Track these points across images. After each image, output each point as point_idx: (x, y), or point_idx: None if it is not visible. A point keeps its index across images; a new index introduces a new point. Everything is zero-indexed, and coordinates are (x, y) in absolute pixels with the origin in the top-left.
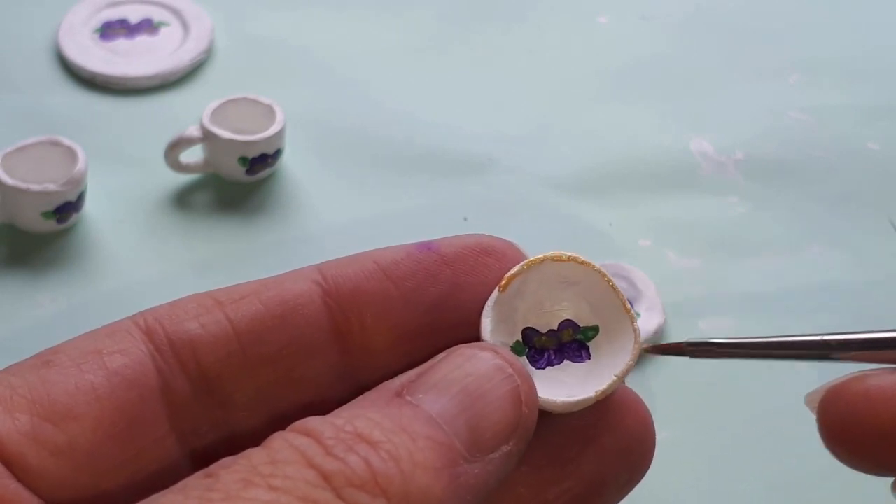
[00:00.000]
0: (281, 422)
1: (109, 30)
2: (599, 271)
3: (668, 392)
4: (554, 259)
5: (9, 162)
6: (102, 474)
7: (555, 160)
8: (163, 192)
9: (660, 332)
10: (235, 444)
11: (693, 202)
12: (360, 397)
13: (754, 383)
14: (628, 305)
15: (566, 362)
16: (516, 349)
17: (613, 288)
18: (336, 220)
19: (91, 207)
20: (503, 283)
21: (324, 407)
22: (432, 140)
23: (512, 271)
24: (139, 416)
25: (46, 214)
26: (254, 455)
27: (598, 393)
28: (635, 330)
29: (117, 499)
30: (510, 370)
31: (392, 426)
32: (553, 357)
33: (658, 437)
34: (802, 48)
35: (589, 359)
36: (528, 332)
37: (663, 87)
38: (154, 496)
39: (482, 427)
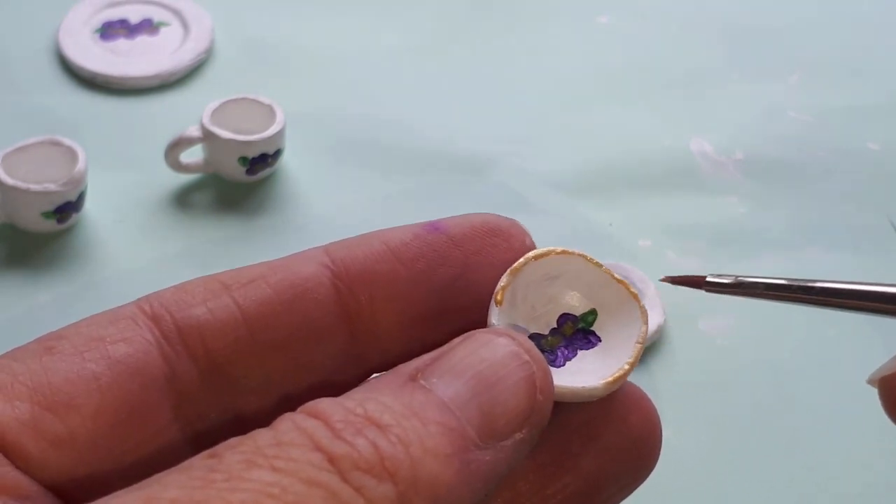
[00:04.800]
0: (290, 406)
1: (110, 30)
2: (581, 255)
3: (671, 391)
4: (536, 258)
5: (9, 162)
6: (104, 463)
7: (555, 160)
8: (163, 192)
9: (660, 331)
10: (243, 429)
11: (693, 202)
12: (375, 380)
13: (757, 383)
14: (618, 276)
15: (580, 352)
16: None
17: (598, 265)
18: (336, 220)
19: (91, 207)
20: (498, 296)
21: (333, 391)
22: (432, 140)
23: (501, 283)
24: (141, 405)
25: (46, 214)
26: (259, 436)
27: (629, 364)
28: (633, 294)
29: (120, 486)
30: (526, 357)
31: (403, 410)
32: (567, 352)
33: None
34: (802, 48)
35: (599, 341)
36: (534, 338)
37: (663, 87)
38: (157, 475)
39: (495, 413)
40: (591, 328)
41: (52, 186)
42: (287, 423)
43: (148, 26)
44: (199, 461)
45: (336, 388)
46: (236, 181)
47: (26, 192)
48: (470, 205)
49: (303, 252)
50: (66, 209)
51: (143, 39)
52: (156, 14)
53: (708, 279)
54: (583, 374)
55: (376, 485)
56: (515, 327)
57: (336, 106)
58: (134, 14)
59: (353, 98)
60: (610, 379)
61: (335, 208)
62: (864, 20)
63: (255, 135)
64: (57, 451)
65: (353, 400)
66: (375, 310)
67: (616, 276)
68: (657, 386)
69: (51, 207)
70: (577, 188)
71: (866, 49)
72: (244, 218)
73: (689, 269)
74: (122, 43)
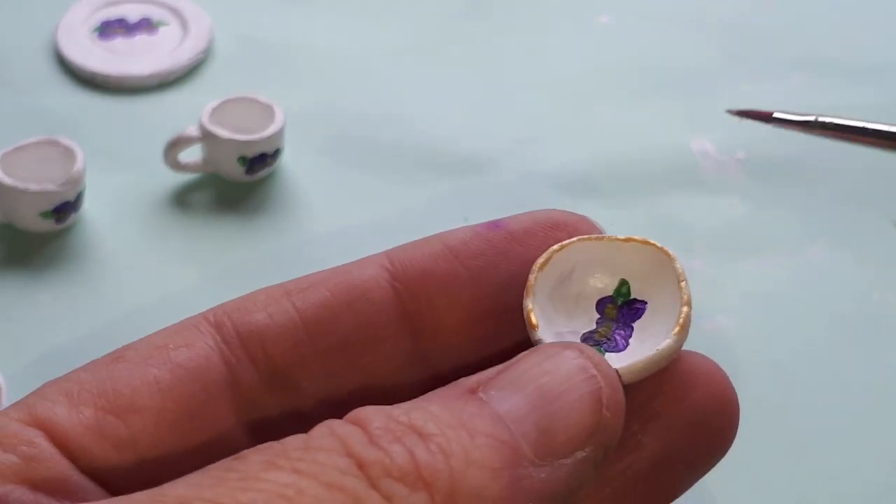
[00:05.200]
0: (352, 408)
1: (108, 29)
2: (579, 239)
3: None
4: (541, 267)
5: (7, 162)
6: (166, 464)
7: (555, 160)
8: (162, 191)
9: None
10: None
11: (694, 202)
12: (434, 391)
13: (758, 383)
14: (622, 236)
15: (635, 325)
16: None
17: (599, 238)
18: (336, 220)
19: (90, 207)
20: (532, 321)
21: (396, 392)
22: (432, 140)
23: (527, 307)
24: (202, 407)
25: (45, 214)
26: (290, 440)
27: (686, 306)
28: (646, 242)
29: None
30: (593, 371)
31: (451, 420)
32: (624, 332)
33: None
34: (804, 47)
35: (646, 303)
36: (586, 338)
37: (664, 86)
38: (183, 477)
39: (554, 429)
40: (632, 297)
41: (50, 186)
42: (323, 429)
43: (146, 25)
44: (223, 462)
45: (399, 390)
46: (235, 181)
47: (25, 191)
48: (470, 205)
49: (364, 258)
50: (65, 209)
51: (141, 38)
52: (154, 13)
53: (775, 115)
54: (651, 340)
55: (408, 493)
56: (566, 339)
57: (336, 106)
58: (132, 13)
59: (352, 98)
60: (676, 329)
61: (334, 208)
62: (866, 20)
63: (255, 134)
64: (119, 452)
65: (400, 408)
66: (436, 310)
67: (620, 237)
68: None
69: (49, 207)
70: (578, 188)
71: (867, 49)
72: (243, 217)
73: (690, 269)
74: (120, 42)
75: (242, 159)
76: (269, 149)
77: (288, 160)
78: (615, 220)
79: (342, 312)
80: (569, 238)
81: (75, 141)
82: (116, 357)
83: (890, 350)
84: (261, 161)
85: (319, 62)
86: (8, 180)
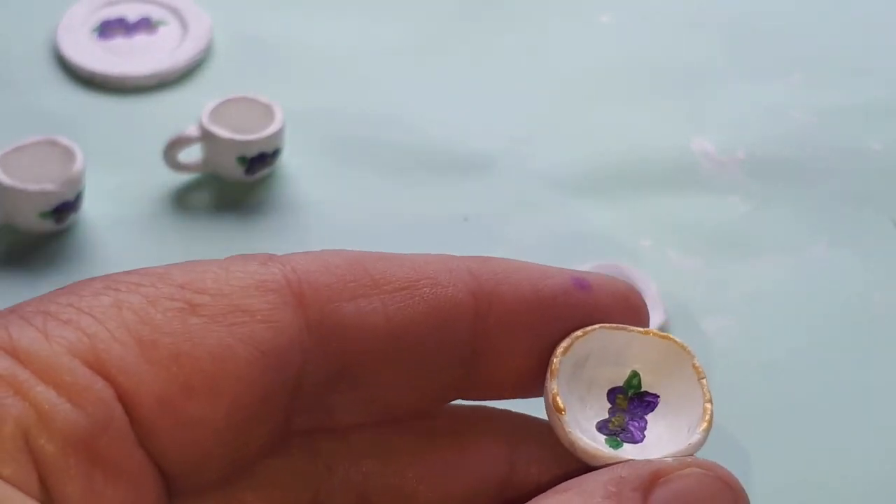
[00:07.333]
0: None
1: (108, 29)
2: (601, 328)
3: None
4: (564, 352)
5: (6, 162)
6: (217, 454)
7: (555, 160)
8: (161, 191)
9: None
10: (334, 436)
11: (694, 201)
12: (601, 489)
13: (758, 383)
14: (642, 329)
15: (648, 417)
16: (613, 445)
17: (616, 328)
18: (335, 220)
19: (89, 207)
20: (559, 405)
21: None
22: (432, 139)
23: (552, 389)
24: (276, 401)
25: (44, 214)
26: None
27: (709, 403)
28: (665, 337)
29: (221, 479)
30: None
31: None
32: (638, 424)
33: None
34: (805, 47)
35: (658, 397)
36: (601, 426)
37: (664, 86)
38: None
39: None
40: (643, 389)
41: (49, 186)
42: None
43: (146, 25)
44: None
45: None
46: (235, 181)
47: (24, 192)
48: (470, 205)
49: (444, 261)
50: (64, 209)
51: (141, 38)
52: (154, 13)
53: None
54: (671, 431)
55: None
56: (582, 428)
57: (335, 105)
58: (132, 13)
59: (352, 97)
60: (704, 426)
61: (334, 208)
62: (868, 19)
63: (254, 134)
64: (182, 433)
65: None
66: (504, 358)
67: (640, 329)
68: None
69: (49, 207)
70: (578, 187)
71: (869, 48)
72: (243, 217)
73: (691, 269)
74: (120, 42)
75: (242, 159)
76: (268, 149)
77: (287, 160)
78: (615, 220)
79: (428, 333)
80: (637, 322)
81: (75, 141)
82: (192, 304)
83: (891, 350)
84: (260, 161)
85: (319, 62)
86: (7, 180)
